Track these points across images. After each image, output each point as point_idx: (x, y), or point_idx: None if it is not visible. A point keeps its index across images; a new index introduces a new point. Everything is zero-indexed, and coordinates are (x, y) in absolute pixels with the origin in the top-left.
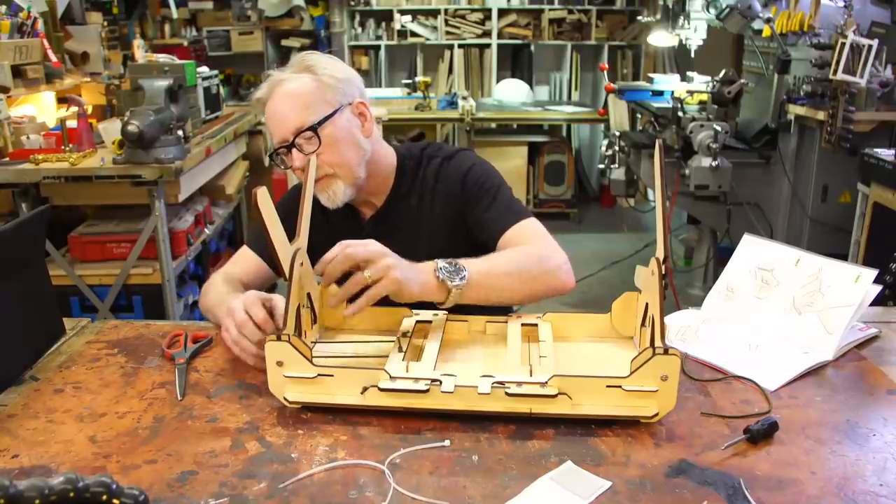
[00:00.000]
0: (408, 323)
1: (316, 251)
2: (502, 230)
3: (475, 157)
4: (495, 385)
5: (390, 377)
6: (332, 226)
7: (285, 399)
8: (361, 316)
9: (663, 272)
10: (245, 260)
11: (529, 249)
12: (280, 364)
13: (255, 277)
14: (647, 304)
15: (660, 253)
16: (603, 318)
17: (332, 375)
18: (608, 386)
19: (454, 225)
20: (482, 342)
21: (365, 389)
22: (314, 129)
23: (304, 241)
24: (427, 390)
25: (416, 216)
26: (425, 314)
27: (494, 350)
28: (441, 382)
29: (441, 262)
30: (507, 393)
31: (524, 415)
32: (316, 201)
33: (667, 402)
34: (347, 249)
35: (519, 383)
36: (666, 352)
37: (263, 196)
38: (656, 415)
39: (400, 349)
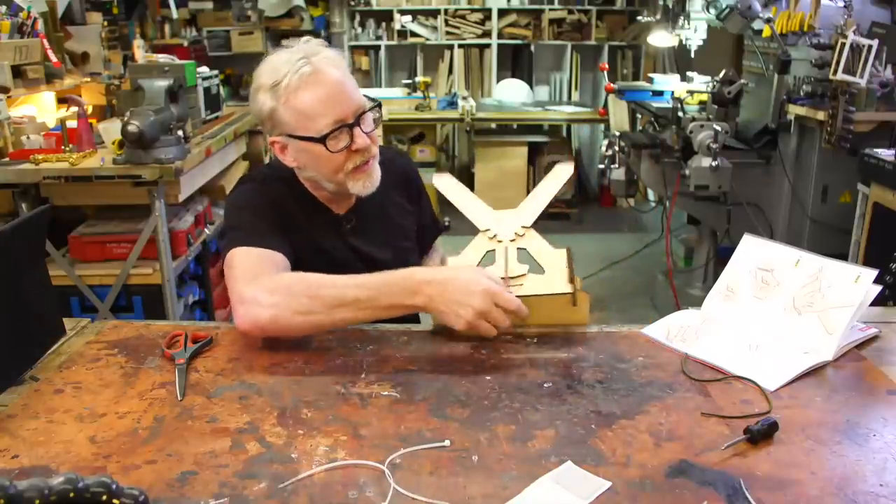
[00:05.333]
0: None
1: (295, 249)
2: (432, 240)
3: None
4: None
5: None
6: (310, 223)
7: None
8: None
9: None
10: (272, 260)
11: None
12: None
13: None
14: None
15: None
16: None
17: None
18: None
19: (414, 212)
20: None
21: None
22: (379, 104)
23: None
24: None
25: (385, 207)
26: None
27: None
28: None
29: None
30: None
31: None
32: (289, 199)
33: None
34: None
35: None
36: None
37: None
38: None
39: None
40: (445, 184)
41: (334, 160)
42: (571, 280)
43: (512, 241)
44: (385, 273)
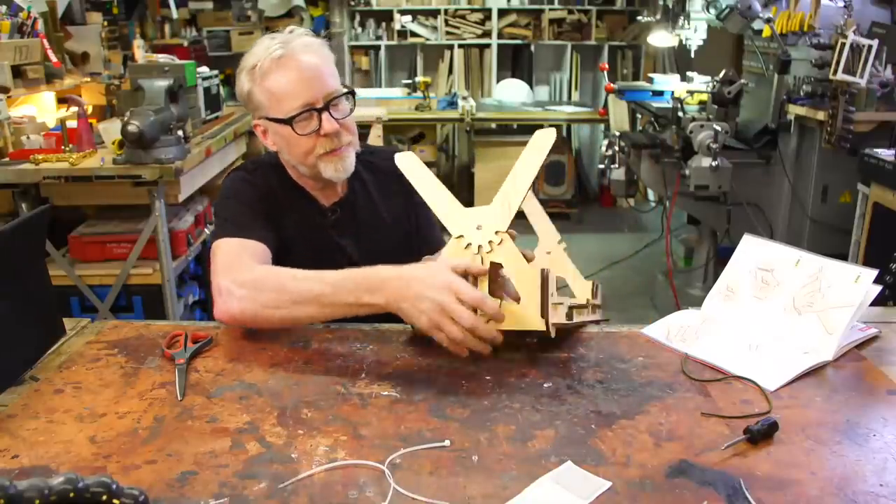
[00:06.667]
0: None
1: (280, 238)
2: (435, 244)
3: None
4: None
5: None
6: (294, 212)
7: None
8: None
9: None
10: (253, 251)
11: None
12: None
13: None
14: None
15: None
16: None
17: None
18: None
19: (408, 212)
20: None
21: None
22: (352, 92)
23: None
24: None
25: (376, 206)
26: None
27: None
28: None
29: None
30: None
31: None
32: (277, 187)
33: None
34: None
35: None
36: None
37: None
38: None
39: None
40: (408, 165)
41: (303, 143)
42: (545, 313)
43: (488, 252)
44: (352, 270)
